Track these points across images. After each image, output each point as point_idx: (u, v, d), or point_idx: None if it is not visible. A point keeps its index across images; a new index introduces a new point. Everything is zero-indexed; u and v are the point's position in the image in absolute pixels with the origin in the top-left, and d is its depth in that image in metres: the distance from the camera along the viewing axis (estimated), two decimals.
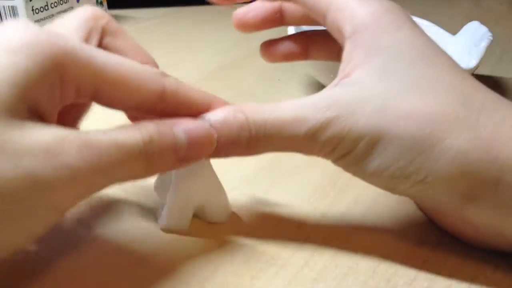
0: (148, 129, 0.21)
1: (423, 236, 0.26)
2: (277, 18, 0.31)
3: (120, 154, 0.20)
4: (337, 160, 0.24)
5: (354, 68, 0.24)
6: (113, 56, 0.21)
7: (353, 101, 0.23)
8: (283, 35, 0.33)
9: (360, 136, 0.22)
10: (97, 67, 0.20)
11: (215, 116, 0.23)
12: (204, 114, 0.23)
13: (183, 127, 0.22)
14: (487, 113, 0.22)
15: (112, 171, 0.20)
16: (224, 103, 0.24)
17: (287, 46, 0.32)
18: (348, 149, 0.23)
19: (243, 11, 0.31)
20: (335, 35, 0.26)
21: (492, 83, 0.46)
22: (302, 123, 0.23)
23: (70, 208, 0.20)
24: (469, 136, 0.22)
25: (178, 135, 0.22)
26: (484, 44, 0.40)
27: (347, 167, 0.24)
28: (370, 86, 0.23)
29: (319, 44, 0.32)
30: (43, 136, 0.19)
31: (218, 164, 0.26)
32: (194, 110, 0.23)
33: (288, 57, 0.32)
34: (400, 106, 0.22)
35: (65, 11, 0.54)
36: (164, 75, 0.23)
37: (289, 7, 0.31)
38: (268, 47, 0.32)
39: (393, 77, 0.23)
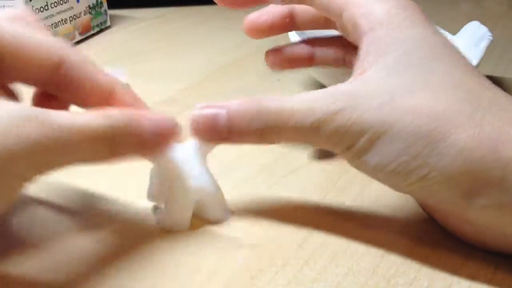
0: (113, 115, 0.22)
1: (423, 236, 0.26)
2: (287, 24, 0.31)
3: (81, 136, 0.21)
4: (342, 153, 0.24)
5: (368, 66, 0.24)
6: (14, 26, 0.23)
7: (359, 95, 0.23)
8: (283, 39, 0.33)
9: (364, 129, 0.22)
10: None
11: (229, 104, 0.24)
12: (204, 104, 0.24)
13: (148, 116, 0.23)
14: (494, 112, 0.22)
15: (72, 151, 0.21)
16: (129, 93, 0.25)
17: (293, 53, 0.32)
18: (352, 141, 0.23)
19: (256, 15, 0.31)
20: (351, 32, 0.26)
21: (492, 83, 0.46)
22: (309, 114, 0.23)
23: (33, 179, 0.21)
24: (474, 134, 0.22)
25: (143, 122, 0.23)
26: (484, 44, 0.40)
27: (351, 161, 0.24)
28: (378, 81, 0.23)
29: (325, 50, 0.32)
30: (5, 111, 0.19)
31: (218, 164, 0.27)
32: (94, 89, 0.24)
33: (294, 64, 0.33)
34: (407, 101, 0.22)
35: (65, 11, 0.54)
36: (67, 47, 0.24)
37: (300, 11, 0.31)
38: (273, 54, 0.33)
39: (402, 73, 0.23)
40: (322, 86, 0.43)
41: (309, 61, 0.32)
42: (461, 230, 0.25)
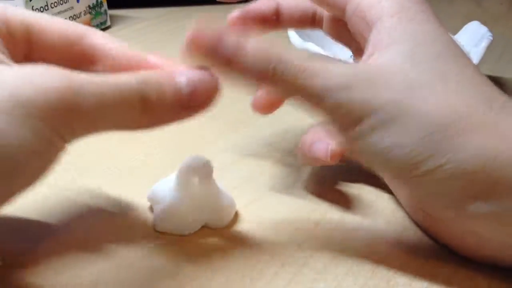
0: (143, 73, 0.21)
1: (423, 236, 0.26)
2: (273, 21, 0.30)
3: (111, 91, 0.20)
4: (346, 130, 0.22)
5: (380, 54, 0.23)
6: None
7: (379, 74, 0.22)
8: (284, 37, 0.33)
9: (380, 105, 0.21)
10: (27, 15, 0.24)
11: (250, 42, 0.22)
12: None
13: (184, 72, 0.22)
14: (507, 112, 0.22)
15: (103, 110, 0.20)
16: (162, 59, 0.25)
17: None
18: (363, 116, 0.22)
19: (241, 12, 0.30)
20: (358, 25, 0.25)
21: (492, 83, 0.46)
22: (325, 77, 0.22)
23: (68, 139, 0.20)
24: (489, 132, 0.21)
25: (178, 79, 0.21)
26: (484, 44, 0.40)
27: (353, 139, 0.22)
28: (398, 64, 0.23)
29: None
30: (28, 69, 0.19)
31: (219, 163, 0.26)
32: (121, 59, 0.24)
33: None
34: (427, 90, 0.22)
35: (65, 11, 0.54)
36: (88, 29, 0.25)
37: (286, 10, 0.30)
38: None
39: (419, 63, 0.23)
40: None
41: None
42: (461, 242, 0.24)
